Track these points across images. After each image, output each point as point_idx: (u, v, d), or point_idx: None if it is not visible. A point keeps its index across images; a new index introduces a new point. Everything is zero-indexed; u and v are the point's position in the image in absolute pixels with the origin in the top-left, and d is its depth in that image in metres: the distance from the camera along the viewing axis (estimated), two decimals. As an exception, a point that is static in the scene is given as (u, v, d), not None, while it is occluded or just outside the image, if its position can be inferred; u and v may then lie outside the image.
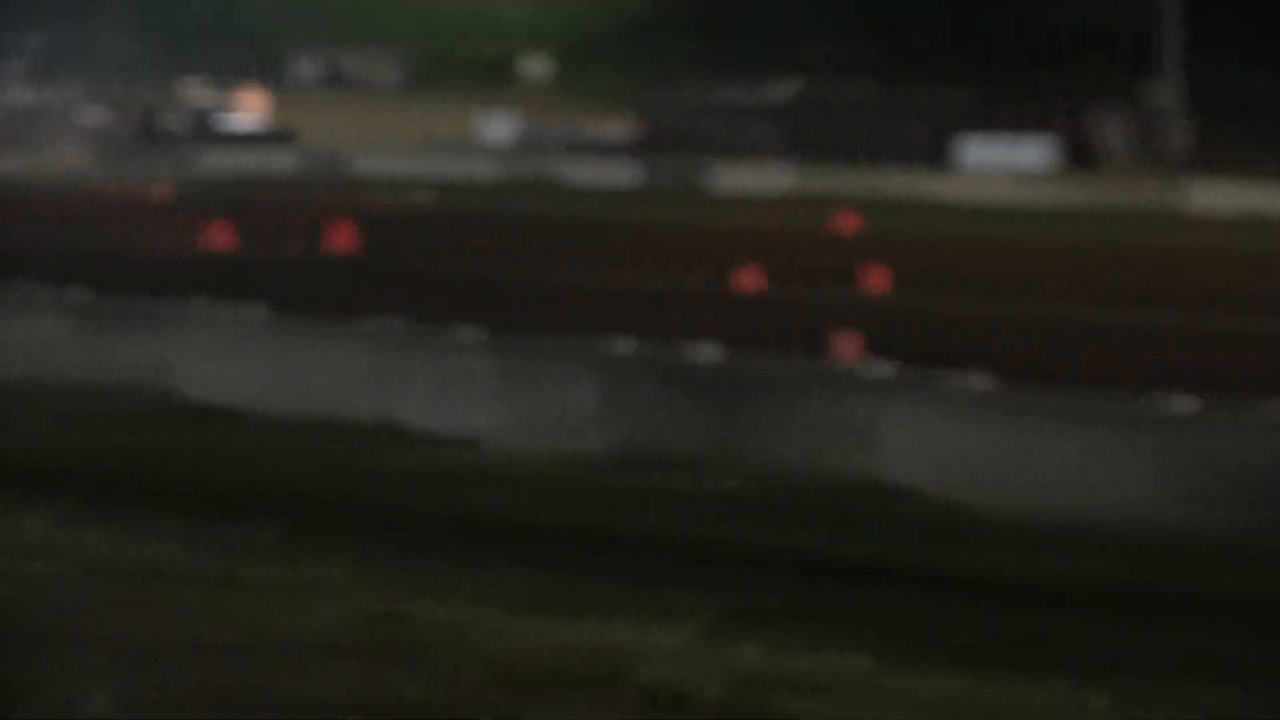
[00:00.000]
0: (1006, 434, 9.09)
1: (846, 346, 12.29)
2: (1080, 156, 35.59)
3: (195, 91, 46.64)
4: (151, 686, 5.13)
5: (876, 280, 17.78)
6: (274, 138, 42.82)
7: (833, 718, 5.28)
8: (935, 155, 36.59)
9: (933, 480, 8.86)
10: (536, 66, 47.25)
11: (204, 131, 41.87)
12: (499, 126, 43.49)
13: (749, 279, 17.71)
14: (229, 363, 11.40)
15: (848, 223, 25.16)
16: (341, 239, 21.18)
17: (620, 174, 36.68)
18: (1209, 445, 8.58)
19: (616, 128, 42.90)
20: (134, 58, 49.72)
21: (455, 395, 10.51)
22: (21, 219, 24.40)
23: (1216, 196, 29.76)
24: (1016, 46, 40.93)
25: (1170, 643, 6.33)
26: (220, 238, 21.30)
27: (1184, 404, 9.25)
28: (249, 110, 45.37)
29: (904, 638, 6.39)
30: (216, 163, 37.64)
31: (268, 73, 50.14)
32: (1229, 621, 6.69)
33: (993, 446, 8.98)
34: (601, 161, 38.57)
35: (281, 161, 38.33)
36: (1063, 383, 10.62)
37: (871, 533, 8.36)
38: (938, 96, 39.80)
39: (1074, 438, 8.91)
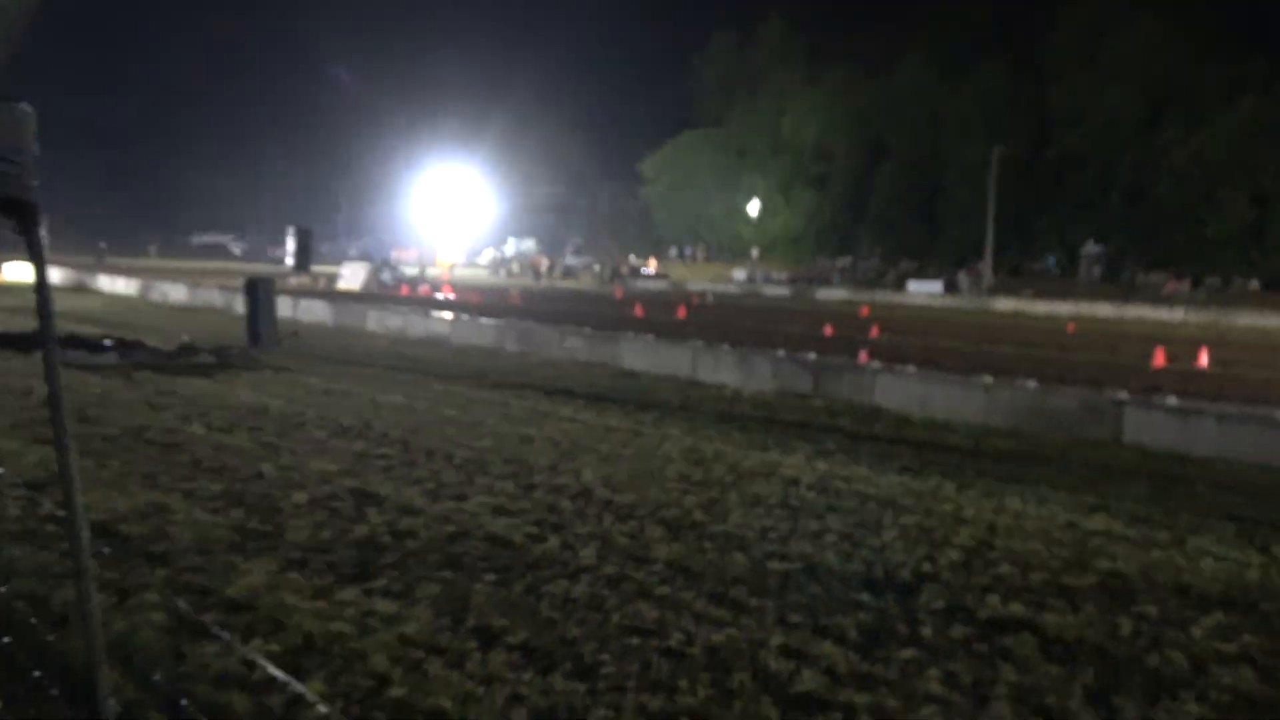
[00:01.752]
0: (920, 386, 14.76)
1: (864, 355, 20.04)
2: (952, 289, 64.12)
3: (632, 257, 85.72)
4: (621, 474, 9.38)
5: (875, 331, 30.59)
6: (659, 277, 74.97)
7: (851, 491, 9.14)
8: (899, 287, 66.11)
9: (894, 405, 14.59)
10: (755, 250, 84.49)
11: (635, 274, 75.38)
12: (740, 274, 75.93)
13: (828, 330, 30.35)
14: (639, 354, 19.11)
15: (864, 310, 46.14)
16: (681, 312, 37.12)
17: (784, 292, 65.78)
18: (1001, 395, 13.83)
19: (788, 274, 75.25)
20: (608, 242, 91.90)
21: (719, 368, 17.46)
22: (550, 301, 42.94)
23: (1004, 304, 54.24)
24: (941, 243, 77.95)
25: (979, 466, 10.61)
26: (638, 310, 36.53)
27: (986, 377, 15.20)
28: (651, 265, 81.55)
29: (880, 461, 10.63)
30: (639, 286, 69.41)
31: (659, 250, 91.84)
32: (1024, 459, 11.11)
33: (918, 391, 14.59)
34: (778, 288, 67.95)
35: (661, 285, 70.75)
36: (945, 367, 18.73)
37: (871, 422, 13.50)
38: (902, 264, 77.27)
39: (948, 388, 14.45)
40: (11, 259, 42.84)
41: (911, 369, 16.47)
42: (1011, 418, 13.49)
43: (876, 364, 16.92)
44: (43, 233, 3.20)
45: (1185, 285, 59.71)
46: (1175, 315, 48.10)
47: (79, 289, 39.71)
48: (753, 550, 7.17)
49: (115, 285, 39.26)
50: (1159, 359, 23.53)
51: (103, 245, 69.26)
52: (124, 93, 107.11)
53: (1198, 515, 8.90)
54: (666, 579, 6.43)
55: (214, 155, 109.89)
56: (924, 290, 63.08)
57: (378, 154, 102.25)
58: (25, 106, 3.13)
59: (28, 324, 19.41)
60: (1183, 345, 27.98)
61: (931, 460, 10.97)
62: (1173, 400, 13.51)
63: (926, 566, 6.97)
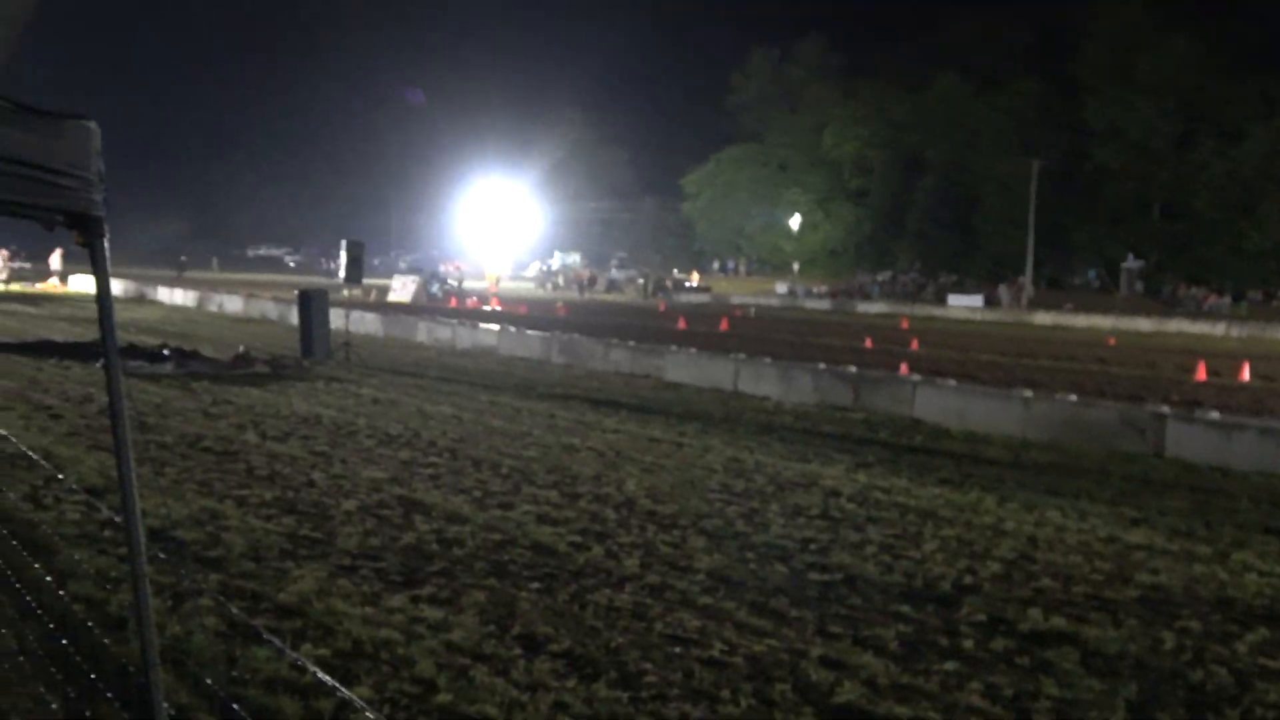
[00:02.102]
0: (959, 399, 14.79)
1: (903, 367, 19.84)
2: (993, 302, 63.82)
3: (675, 271, 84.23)
4: (664, 484, 9.52)
5: (915, 344, 29.97)
6: (701, 290, 74.10)
7: (891, 501, 9.22)
8: (939, 301, 66.28)
9: (934, 417, 14.64)
10: (795, 264, 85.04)
11: (678, 287, 73.92)
12: (781, 287, 74.90)
13: (868, 342, 30.03)
14: (682, 366, 19.24)
15: (904, 323, 44.53)
16: (723, 324, 37.38)
17: (824, 305, 65.30)
18: (1040, 408, 13.90)
19: (828, 288, 74.12)
20: (651, 256, 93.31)
21: (760, 380, 17.53)
22: (595, 314, 43.02)
23: (1043, 318, 54.44)
24: (978, 257, 78.58)
25: (1019, 478, 10.55)
26: (681, 323, 36.91)
27: (1025, 390, 15.16)
28: (693, 279, 79.67)
29: (920, 473, 10.70)
30: (682, 298, 67.44)
31: (701, 264, 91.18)
32: (1064, 472, 11.03)
33: (958, 404, 14.63)
34: (818, 301, 67.09)
35: (703, 298, 69.50)
36: (985, 380, 18.68)
37: (910, 434, 13.63)
38: (942, 278, 75.45)
39: (987, 401, 14.46)
40: (78, 272, 43.78)
41: (951, 382, 16.46)
42: (1051, 431, 13.42)
43: (916, 377, 17.05)
44: (106, 245, 3.22)
45: (1226, 300, 58.75)
46: (1216, 329, 47.39)
47: (139, 300, 40.41)
48: (793, 561, 7.19)
49: (174, 296, 39.95)
50: (1200, 373, 23.16)
51: (184, 259, 70.12)
52: (181, 108, 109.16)
53: (1240, 529, 8.77)
54: (708, 589, 6.44)
55: (270, 170, 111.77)
56: (964, 304, 63.35)
57: (428, 169, 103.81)
58: (90, 123, 3.17)
59: (89, 334, 19.72)
60: (1224, 359, 27.51)
61: (971, 473, 11.06)
62: (1214, 414, 13.27)
63: (967, 579, 6.94)
